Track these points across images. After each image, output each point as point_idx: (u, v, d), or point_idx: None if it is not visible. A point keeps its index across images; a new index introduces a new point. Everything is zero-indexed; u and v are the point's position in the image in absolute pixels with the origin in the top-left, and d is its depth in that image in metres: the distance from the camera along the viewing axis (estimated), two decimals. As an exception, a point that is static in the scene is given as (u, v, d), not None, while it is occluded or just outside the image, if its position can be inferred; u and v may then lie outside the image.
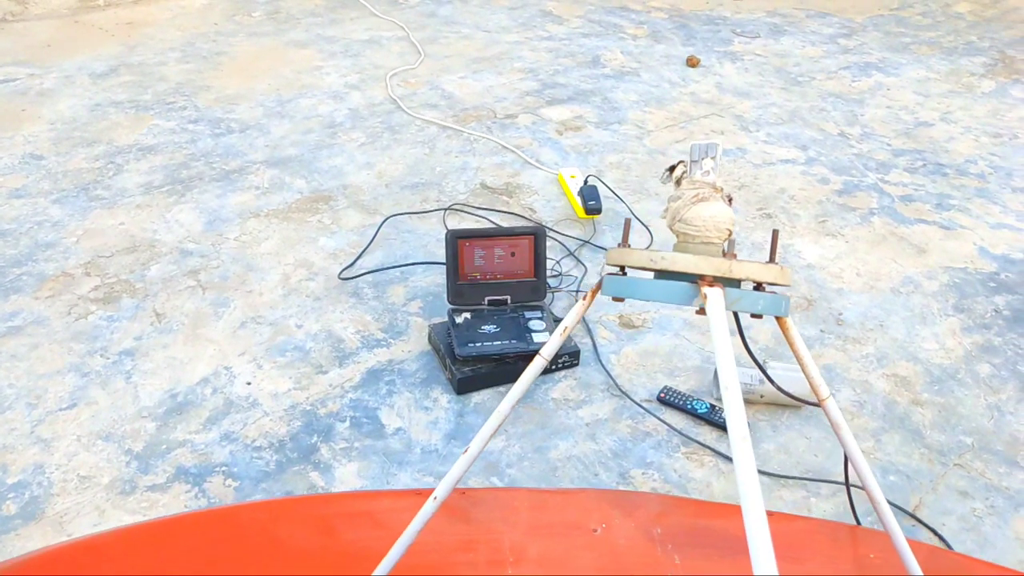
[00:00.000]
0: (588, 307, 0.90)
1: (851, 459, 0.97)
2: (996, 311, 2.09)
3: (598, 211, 2.32)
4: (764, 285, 0.86)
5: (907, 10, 4.30)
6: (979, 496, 1.58)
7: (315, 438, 1.64)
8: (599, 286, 0.88)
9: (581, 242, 2.25)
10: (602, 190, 2.41)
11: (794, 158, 2.77)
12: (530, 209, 2.40)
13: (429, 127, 2.83)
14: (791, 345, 0.92)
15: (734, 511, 1.29)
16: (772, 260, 0.87)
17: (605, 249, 2.23)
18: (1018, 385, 1.86)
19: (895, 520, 0.97)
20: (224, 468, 1.56)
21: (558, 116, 2.96)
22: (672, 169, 0.90)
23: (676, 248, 0.87)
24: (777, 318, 0.87)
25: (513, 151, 2.69)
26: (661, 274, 0.85)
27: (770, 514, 1.23)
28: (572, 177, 2.48)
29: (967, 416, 1.77)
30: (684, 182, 0.88)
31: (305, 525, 1.11)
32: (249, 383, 1.75)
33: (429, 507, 0.92)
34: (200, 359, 1.81)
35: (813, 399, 1.76)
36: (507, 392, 1.77)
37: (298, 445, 1.62)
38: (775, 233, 0.89)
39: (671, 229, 0.88)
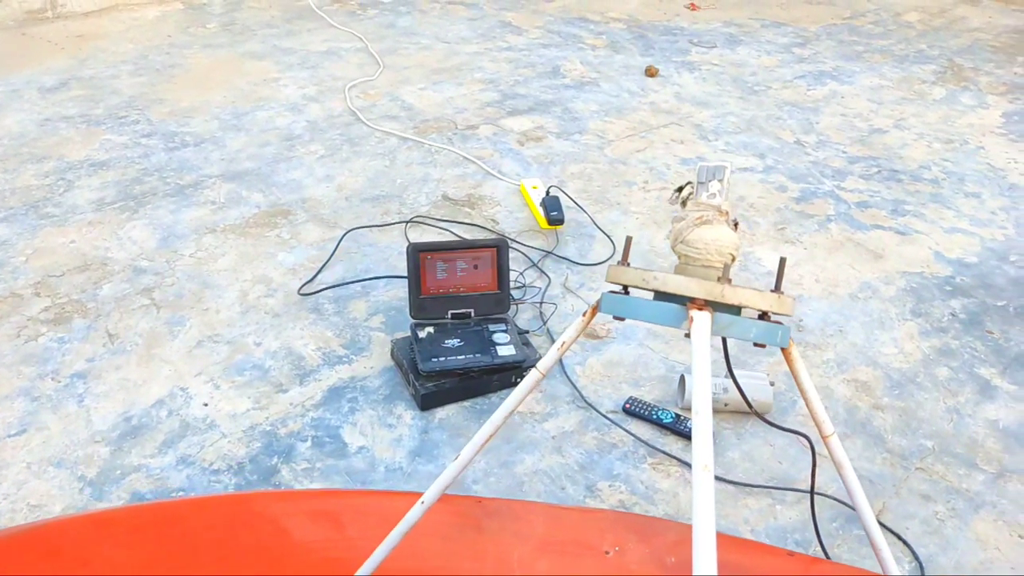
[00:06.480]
0: (588, 324, 0.90)
1: (853, 500, 0.94)
2: (952, 315, 2.13)
3: (560, 221, 2.32)
4: (769, 314, 0.84)
5: (859, 19, 4.39)
6: (941, 499, 1.60)
7: (275, 459, 1.60)
8: (598, 304, 0.88)
9: (544, 253, 2.25)
10: (564, 200, 2.41)
11: (752, 166, 2.80)
12: (492, 220, 2.39)
13: (389, 139, 2.80)
14: (795, 377, 0.89)
15: (755, 548, 1.28)
16: (777, 288, 0.85)
17: (568, 260, 2.23)
18: (975, 388, 1.89)
19: (895, 565, 0.97)
20: (181, 493, 1.52)
21: (519, 127, 2.95)
22: (680, 190, 0.90)
23: (676, 270, 0.86)
24: (781, 348, 0.86)
25: (474, 162, 2.68)
26: (659, 295, 0.85)
27: (791, 554, 1.21)
28: (534, 188, 2.47)
29: (927, 419, 1.79)
30: (690, 203, 0.87)
31: (315, 518, 1.10)
32: (206, 404, 1.71)
33: (416, 511, 0.91)
34: (155, 380, 1.76)
35: (768, 410, 1.73)
36: (472, 407, 1.71)
37: (258, 467, 1.58)
38: (782, 261, 0.88)
39: (673, 250, 0.87)
